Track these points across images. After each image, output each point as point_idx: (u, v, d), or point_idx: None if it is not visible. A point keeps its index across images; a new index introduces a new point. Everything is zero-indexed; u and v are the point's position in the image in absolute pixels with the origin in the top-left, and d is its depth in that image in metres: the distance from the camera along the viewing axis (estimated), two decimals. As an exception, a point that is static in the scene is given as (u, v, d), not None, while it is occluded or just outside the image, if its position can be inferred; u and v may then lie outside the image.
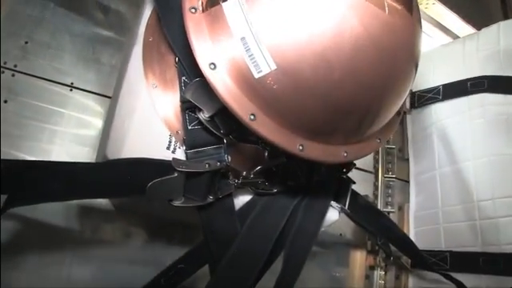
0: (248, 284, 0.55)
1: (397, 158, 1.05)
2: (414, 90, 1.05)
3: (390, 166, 1.04)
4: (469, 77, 0.92)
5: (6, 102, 0.66)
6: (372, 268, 0.96)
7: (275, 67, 0.43)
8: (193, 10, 0.46)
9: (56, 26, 0.72)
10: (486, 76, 0.89)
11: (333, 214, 0.67)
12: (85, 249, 0.67)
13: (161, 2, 0.55)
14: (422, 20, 1.18)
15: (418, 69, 1.05)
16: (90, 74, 0.73)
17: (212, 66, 0.45)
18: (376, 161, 1.05)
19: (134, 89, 0.56)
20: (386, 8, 0.43)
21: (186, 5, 0.46)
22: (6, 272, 0.60)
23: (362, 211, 0.73)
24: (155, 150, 0.54)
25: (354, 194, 0.71)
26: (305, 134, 0.48)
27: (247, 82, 0.44)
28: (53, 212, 0.65)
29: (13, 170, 0.49)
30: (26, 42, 0.70)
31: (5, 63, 0.67)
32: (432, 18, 1.18)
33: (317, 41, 0.42)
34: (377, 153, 1.05)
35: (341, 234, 0.95)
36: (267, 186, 0.60)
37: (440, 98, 0.97)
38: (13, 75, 0.67)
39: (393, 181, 1.03)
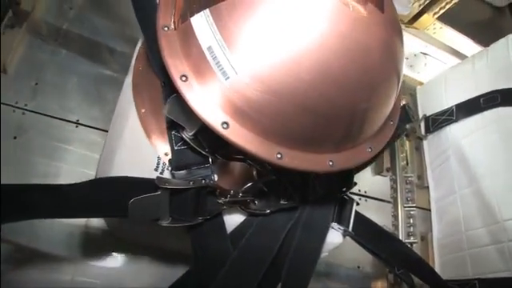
0: None
1: (416, 187, 1.00)
2: (427, 115, 1.02)
3: (409, 195, 0.99)
4: (481, 93, 0.88)
5: (15, 138, 0.70)
6: (397, 303, 0.89)
7: (242, 73, 0.43)
8: (165, 29, 0.48)
9: (64, 68, 0.77)
10: (498, 90, 0.86)
11: (336, 237, 0.64)
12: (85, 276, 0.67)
13: (145, 28, 0.58)
14: (433, 46, 1.18)
15: (430, 93, 1.04)
16: (94, 111, 0.76)
17: (183, 78, 0.45)
18: (394, 190, 1.00)
19: (124, 114, 0.57)
20: (351, 5, 0.43)
21: (160, 24, 0.48)
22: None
23: (371, 235, 0.69)
24: (143, 171, 0.54)
25: (360, 216, 0.68)
26: (283, 142, 0.46)
27: (217, 91, 0.44)
28: (55, 241, 0.66)
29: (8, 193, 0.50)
30: (36, 84, 0.75)
31: (16, 103, 0.72)
32: (442, 43, 1.17)
33: (281, 42, 0.42)
34: (394, 181, 1.01)
35: (359, 267, 0.89)
36: (260, 206, 0.58)
37: (454, 118, 0.93)
38: (23, 113, 0.72)
39: (413, 210, 0.97)
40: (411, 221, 0.96)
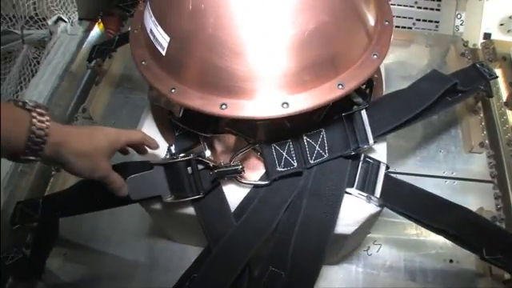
0: (227, 282, 0.54)
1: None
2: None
3: (521, 170, 0.81)
4: None
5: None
6: (518, 305, 0.70)
7: (169, 38, 0.50)
8: (135, 31, 0.59)
9: (136, 106, 0.96)
10: None
11: (365, 206, 0.58)
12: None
13: None
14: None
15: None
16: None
17: (143, 63, 0.55)
18: (496, 167, 0.83)
19: (144, 117, 0.68)
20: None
21: (132, 28, 0.60)
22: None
23: (418, 204, 0.60)
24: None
25: (399, 182, 0.61)
26: (227, 93, 0.50)
27: (162, 62, 0.53)
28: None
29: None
30: (114, 122, 0.95)
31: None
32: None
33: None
34: (495, 158, 0.84)
35: (451, 261, 0.75)
36: (261, 178, 0.59)
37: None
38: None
39: (529, 188, 0.79)
40: (528, 202, 0.77)
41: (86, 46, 1.03)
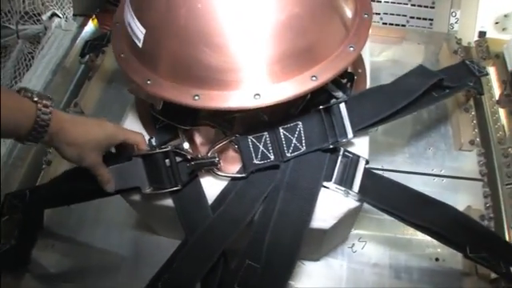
0: (202, 272, 0.55)
1: (519, 159, 0.81)
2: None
3: (511, 169, 0.80)
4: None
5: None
6: (503, 303, 0.69)
7: (144, 30, 0.51)
8: (117, 25, 0.60)
9: (127, 101, 0.96)
10: None
11: (342, 201, 0.58)
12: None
13: None
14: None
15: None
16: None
17: (122, 55, 0.56)
18: (486, 165, 0.83)
19: (129, 110, 0.69)
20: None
21: (114, 21, 0.61)
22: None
23: (399, 199, 0.60)
24: (138, 151, 0.64)
25: (376, 177, 0.61)
26: (200, 85, 0.50)
27: (139, 54, 0.54)
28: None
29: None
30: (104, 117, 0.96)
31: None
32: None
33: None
34: (485, 156, 0.84)
35: (437, 259, 0.75)
36: (238, 171, 0.60)
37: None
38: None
39: (519, 187, 0.78)
40: (518, 201, 0.76)
41: (80, 41, 1.05)
